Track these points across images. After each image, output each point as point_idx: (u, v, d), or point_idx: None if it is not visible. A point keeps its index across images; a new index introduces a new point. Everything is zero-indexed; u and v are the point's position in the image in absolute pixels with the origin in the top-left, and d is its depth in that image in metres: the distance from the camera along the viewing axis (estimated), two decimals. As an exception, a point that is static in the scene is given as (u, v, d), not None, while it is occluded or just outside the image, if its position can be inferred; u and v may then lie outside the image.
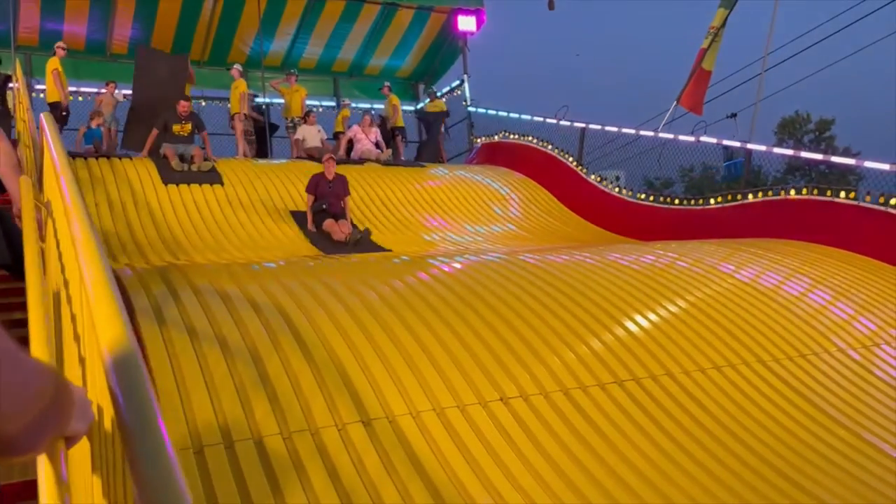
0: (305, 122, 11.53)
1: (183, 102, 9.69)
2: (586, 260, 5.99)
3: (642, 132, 9.77)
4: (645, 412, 4.04)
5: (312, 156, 10.97)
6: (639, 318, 5.02)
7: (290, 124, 11.81)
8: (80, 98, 12.46)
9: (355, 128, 12.00)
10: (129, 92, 12.94)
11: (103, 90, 11.24)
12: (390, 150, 12.02)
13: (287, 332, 3.99)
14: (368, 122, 12.01)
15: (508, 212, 10.58)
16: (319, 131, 11.53)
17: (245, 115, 11.24)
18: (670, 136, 9.30)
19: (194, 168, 9.12)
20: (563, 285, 5.32)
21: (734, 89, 13.14)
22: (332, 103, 14.52)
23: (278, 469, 3.09)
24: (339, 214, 8.63)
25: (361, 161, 11.21)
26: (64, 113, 10.39)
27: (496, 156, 12.47)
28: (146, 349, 3.56)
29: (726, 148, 8.81)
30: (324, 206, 8.54)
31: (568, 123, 11.02)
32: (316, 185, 8.70)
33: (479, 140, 13.21)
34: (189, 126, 9.63)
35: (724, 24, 9.66)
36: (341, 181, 8.87)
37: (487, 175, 11.48)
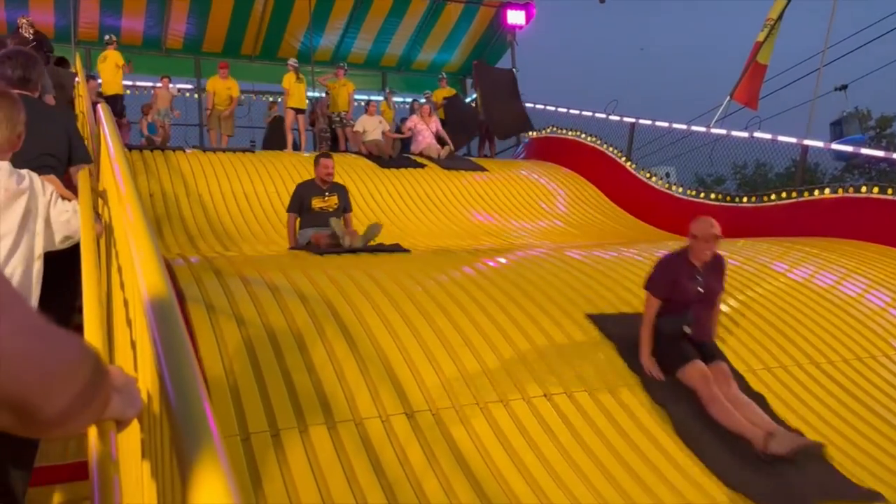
0: (366, 112, 11.18)
1: (325, 161, 6.76)
2: (634, 257, 5.91)
3: (694, 128, 9.57)
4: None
5: (372, 152, 10.61)
6: (687, 317, 4.93)
7: (337, 118, 11.90)
8: (136, 92, 12.78)
9: (414, 118, 11.55)
10: (183, 86, 13.26)
11: (158, 84, 11.49)
12: (449, 147, 11.44)
13: (332, 323, 4.03)
14: (428, 111, 11.54)
15: (555, 208, 10.49)
16: (381, 122, 11.14)
17: (321, 114, 11.47)
18: (723, 131, 9.09)
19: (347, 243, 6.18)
20: (609, 282, 5.26)
21: (793, 83, 12.75)
22: (381, 97, 14.61)
23: (323, 459, 3.12)
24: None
25: (420, 156, 10.92)
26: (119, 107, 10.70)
27: (544, 151, 12.38)
28: (196, 336, 3.63)
29: (838, 124, 8.42)
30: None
31: (617, 118, 10.86)
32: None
33: (527, 135, 13.13)
34: (335, 199, 6.72)
35: (781, 17, 9.39)
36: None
37: (535, 170, 11.40)
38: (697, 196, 9.19)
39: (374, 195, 9.41)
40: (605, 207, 10.49)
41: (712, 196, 9.04)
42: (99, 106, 2.35)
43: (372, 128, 10.90)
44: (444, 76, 13.34)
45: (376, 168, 10.12)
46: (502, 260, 5.81)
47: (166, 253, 6.79)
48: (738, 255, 6.12)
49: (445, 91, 13.09)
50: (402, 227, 8.87)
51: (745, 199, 8.63)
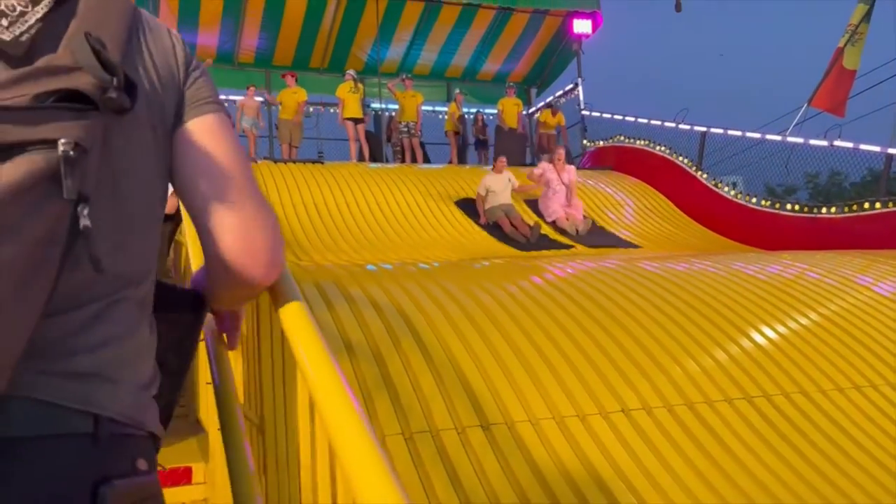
0: (493, 168, 9.38)
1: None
2: (708, 268, 5.76)
3: (768, 136, 9.30)
4: (777, 431, 3.82)
5: (503, 228, 8.64)
6: (767, 331, 4.77)
7: (405, 129, 12.00)
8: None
9: (544, 165, 9.51)
10: (262, 99, 13.62)
11: (241, 97, 11.80)
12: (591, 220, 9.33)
13: (407, 334, 4.05)
14: (562, 155, 9.52)
15: (623, 218, 10.35)
16: (510, 181, 9.16)
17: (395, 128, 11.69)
18: (799, 140, 8.80)
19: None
20: (684, 294, 5.13)
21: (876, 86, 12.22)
22: (446, 108, 14.70)
23: (400, 468, 3.14)
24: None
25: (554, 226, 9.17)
26: None
27: (609, 160, 12.23)
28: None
29: None
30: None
31: (687, 127, 10.64)
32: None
33: (591, 144, 13.00)
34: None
35: (865, 20, 9.05)
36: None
37: (601, 180, 11.28)
38: (773, 206, 8.91)
39: (438, 203, 9.44)
40: (675, 218, 10.29)
41: (789, 206, 8.75)
42: None
43: (501, 188, 8.95)
44: (513, 86, 13.32)
45: (442, 176, 10.19)
46: (573, 271, 5.75)
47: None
48: (818, 268, 5.90)
49: (512, 101, 13.02)
50: (467, 237, 8.89)
51: (824, 210, 8.33)
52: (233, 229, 0.90)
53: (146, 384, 0.87)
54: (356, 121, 11.60)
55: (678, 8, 11.41)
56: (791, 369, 4.32)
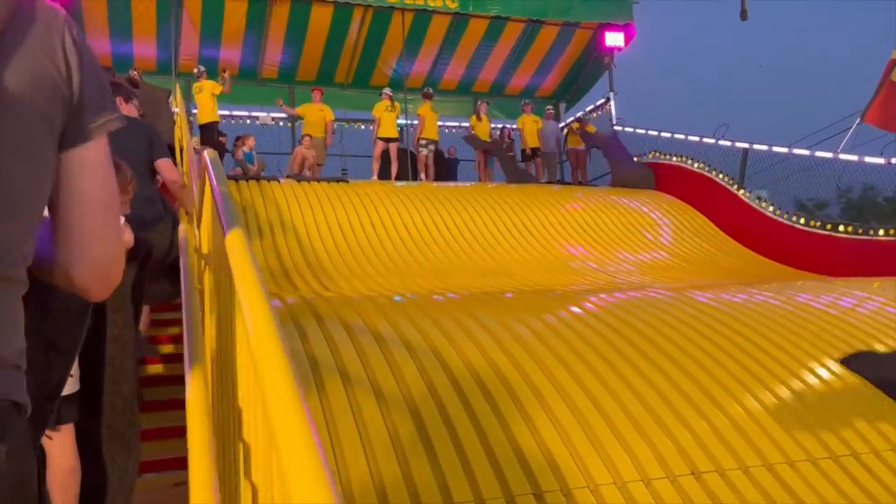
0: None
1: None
2: (769, 300, 5.28)
3: (819, 153, 8.78)
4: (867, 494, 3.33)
5: None
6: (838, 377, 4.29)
7: (423, 145, 11.62)
8: (233, 122, 12.93)
9: None
10: (277, 115, 13.38)
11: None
12: None
13: (442, 376, 3.63)
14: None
15: (660, 238, 9.85)
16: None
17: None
18: (853, 157, 8.28)
19: None
20: (747, 330, 4.67)
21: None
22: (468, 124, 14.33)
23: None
24: None
25: None
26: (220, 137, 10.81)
27: (644, 177, 11.75)
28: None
29: None
30: None
31: (728, 143, 10.15)
32: None
33: (624, 161, 12.52)
34: None
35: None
36: None
37: (635, 198, 10.79)
38: (824, 228, 8.38)
39: (468, 223, 9.03)
40: (715, 238, 9.78)
41: (841, 228, 8.22)
42: (205, 154, 2.05)
43: None
44: (530, 102, 12.90)
45: (470, 194, 9.80)
46: (618, 303, 5.31)
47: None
48: (878, 298, 5.38)
49: (531, 118, 12.57)
50: (497, 260, 8.47)
51: (879, 232, 7.79)
52: (95, 261, 0.93)
53: (8, 357, 0.88)
54: (390, 140, 11.24)
55: (744, 16, 10.89)
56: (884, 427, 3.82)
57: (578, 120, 13.05)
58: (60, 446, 2.00)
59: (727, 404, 3.86)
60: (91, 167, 0.92)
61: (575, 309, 5.06)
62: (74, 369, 2.00)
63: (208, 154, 2.00)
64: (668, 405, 3.75)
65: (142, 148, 3.85)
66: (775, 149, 9.34)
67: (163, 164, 4.00)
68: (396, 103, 11.28)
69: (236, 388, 1.67)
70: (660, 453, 3.34)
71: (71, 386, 2.00)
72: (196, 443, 1.74)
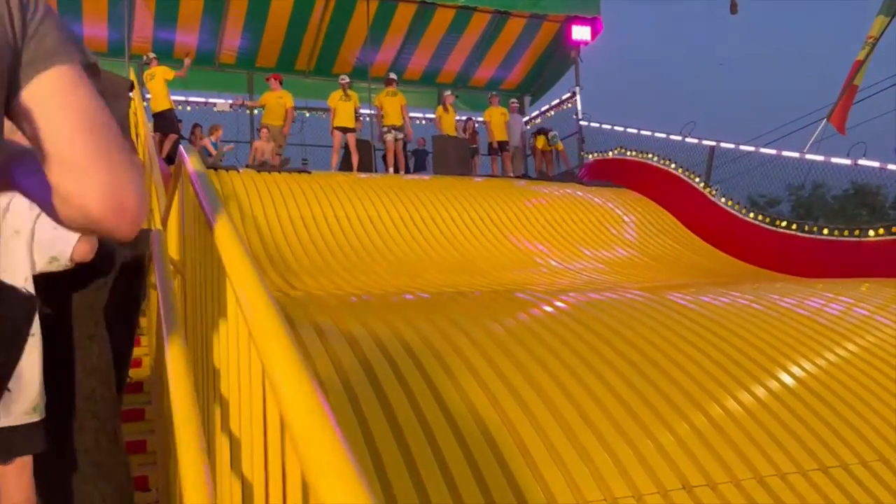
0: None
1: None
2: (752, 305, 5.20)
3: (785, 153, 8.81)
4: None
5: None
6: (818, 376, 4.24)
7: (388, 132, 11.34)
8: (189, 109, 12.46)
9: None
10: (232, 101, 12.92)
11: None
12: None
13: (426, 391, 3.43)
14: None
15: (625, 234, 9.81)
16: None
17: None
18: (819, 157, 8.33)
19: None
20: (723, 331, 4.59)
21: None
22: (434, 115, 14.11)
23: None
24: None
25: None
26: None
27: (608, 173, 11.71)
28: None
29: None
30: None
31: (695, 141, 10.15)
32: None
33: (590, 156, 12.48)
34: None
35: (881, 34, 8.61)
36: None
37: (599, 194, 10.73)
38: (789, 227, 8.42)
39: (434, 217, 8.83)
40: (681, 236, 9.78)
41: (806, 228, 8.27)
42: (182, 149, 1.78)
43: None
44: (497, 94, 12.76)
45: (435, 187, 9.60)
46: (593, 301, 5.18)
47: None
48: (867, 303, 5.37)
49: (498, 111, 12.44)
50: (463, 254, 8.31)
51: (844, 233, 7.85)
52: (102, 187, 0.82)
53: None
54: (346, 130, 10.95)
55: (734, 10, 10.85)
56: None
57: (546, 133, 12.90)
58: (16, 480, 1.75)
59: (711, 409, 3.78)
60: (58, 92, 0.83)
61: (552, 311, 4.92)
62: (28, 398, 1.76)
63: (185, 149, 1.75)
64: (652, 410, 3.64)
65: None
66: (742, 147, 9.35)
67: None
68: (352, 92, 10.97)
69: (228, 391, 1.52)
70: (651, 469, 3.21)
71: (25, 416, 1.75)
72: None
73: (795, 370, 4.34)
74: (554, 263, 8.41)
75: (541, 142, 12.83)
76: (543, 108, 14.23)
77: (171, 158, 10.19)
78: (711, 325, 4.70)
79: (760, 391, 4.09)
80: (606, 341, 4.26)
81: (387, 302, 4.94)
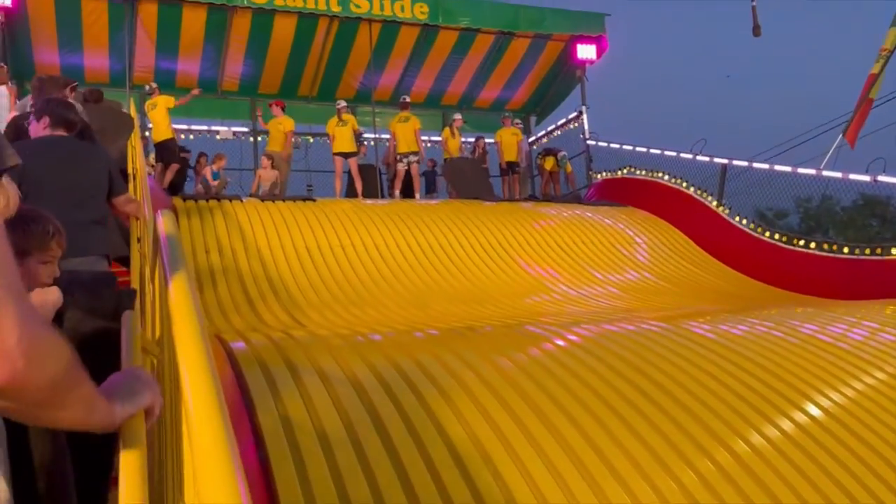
0: None
1: None
2: (771, 332, 4.97)
3: (801, 170, 8.59)
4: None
5: None
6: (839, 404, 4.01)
7: (402, 160, 11.23)
8: (192, 137, 12.37)
9: None
10: (239, 129, 12.87)
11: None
12: None
13: (439, 442, 3.21)
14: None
15: (636, 256, 9.58)
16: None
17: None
18: (837, 174, 8.11)
19: None
20: (747, 363, 4.36)
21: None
22: (440, 138, 13.97)
23: None
24: None
25: None
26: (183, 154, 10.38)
27: (617, 193, 11.50)
28: (274, 472, 2.85)
29: None
30: None
31: (706, 159, 9.94)
32: None
33: (598, 175, 12.28)
34: None
35: (895, 47, 8.42)
36: None
37: (608, 214, 10.51)
38: (807, 246, 8.18)
39: (442, 243, 8.64)
40: (695, 256, 9.54)
41: (825, 246, 8.02)
42: (160, 216, 1.58)
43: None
44: (509, 115, 12.63)
45: (441, 212, 9.43)
46: (617, 345, 4.96)
47: (225, 320, 6.11)
48: (892, 328, 5.13)
49: (510, 130, 12.34)
50: (473, 282, 8.09)
51: (867, 251, 7.60)
52: None
53: None
54: (346, 155, 10.82)
55: (756, 32, 10.66)
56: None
57: (556, 154, 12.73)
58: None
59: (735, 445, 3.56)
60: None
61: (565, 345, 4.71)
62: None
63: (163, 220, 1.55)
64: (673, 447, 3.44)
65: (102, 178, 3.77)
66: (756, 165, 9.14)
67: (121, 201, 3.93)
68: (347, 116, 10.87)
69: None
70: (665, 498, 2.98)
71: None
72: None
73: (822, 400, 4.13)
74: (566, 289, 8.18)
75: (549, 163, 12.66)
76: (550, 128, 14.06)
77: (174, 188, 10.07)
78: (732, 355, 4.49)
79: (786, 424, 3.88)
80: (622, 375, 4.05)
81: (396, 340, 4.73)
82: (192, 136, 12.44)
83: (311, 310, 6.37)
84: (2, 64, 8.95)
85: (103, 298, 2.01)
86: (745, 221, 9.11)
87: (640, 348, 4.56)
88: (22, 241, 1.84)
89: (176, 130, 10.78)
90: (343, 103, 11.04)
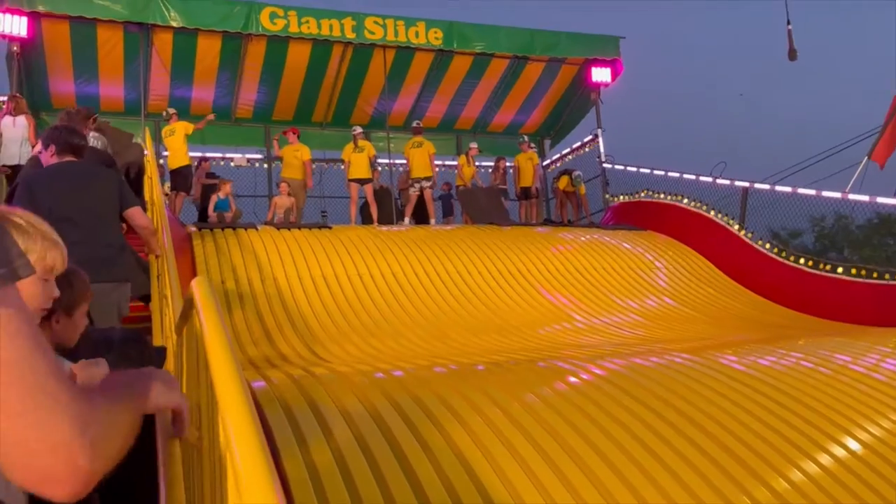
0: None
1: None
2: (801, 363, 4.80)
3: (825, 193, 8.43)
4: None
5: None
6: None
7: (415, 186, 11.17)
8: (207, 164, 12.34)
9: None
10: (253, 156, 12.84)
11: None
12: None
13: (470, 487, 3.07)
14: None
15: (657, 281, 9.40)
16: None
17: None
18: (864, 198, 7.94)
19: None
20: (785, 399, 4.19)
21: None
22: (455, 162, 13.89)
23: None
24: None
25: None
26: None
27: (635, 216, 11.35)
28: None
29: None
30: None
31: (727, 182, 9.80)
32: None
33: (615, 199, 12.15)
34: None
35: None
36: None
37: (626, 238, 10.35)
38: (834, 271, 8.00)
39: (460, 270, 8.51)
40: (718, 281, 9.35)
41: (853, 271, 7.84)
42: (194, 285, 1.44)
43: None
44: (526, 139, 12.55)
45: (458, 238, 9.31)
46: (636, 373, 4.80)
47: (242, 352, 5.99)
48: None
49: (526, 155, 12.26)
50: (493, 310, 7.94)
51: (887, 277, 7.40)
52: (25, 464, 0.67)
53: None
54: (362, 181, 10.76)
55: (792, 56, 10.54)
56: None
57: (570, 174, 12.61)
58: None
59: (774, 482, 3.40)
60: None
61: (593, 379, 4.55)
62: None
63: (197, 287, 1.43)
64: (710, 485, 3.29)
65: (113, 197, 3.80)
66: (778, 188, 8.98)
67: (133, 213, 3.92)
68: (364, 142, 10.81)
69: None
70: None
71: None
72: None
73: (860, 434, 3.97)
74: (587, 317, 8.00)
75: (563, 182, 12.51)
76: (564, 151, 13.97)
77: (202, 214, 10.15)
78: (764, 387, 4.33)
79: (825, 458, 3.72)
80: (654, 410, 3.90)
81: (418, 376, 4.58)
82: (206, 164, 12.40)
83: (330, 342, 6.24)
84: (19, 95, 8.97)
85: (132, 360, 1.91)
86: (768, 246, 8.93)
87: (669, 381, 4.41)
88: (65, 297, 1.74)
89: (193, 157, 10.78)
90: (359, 129, 11.00)
